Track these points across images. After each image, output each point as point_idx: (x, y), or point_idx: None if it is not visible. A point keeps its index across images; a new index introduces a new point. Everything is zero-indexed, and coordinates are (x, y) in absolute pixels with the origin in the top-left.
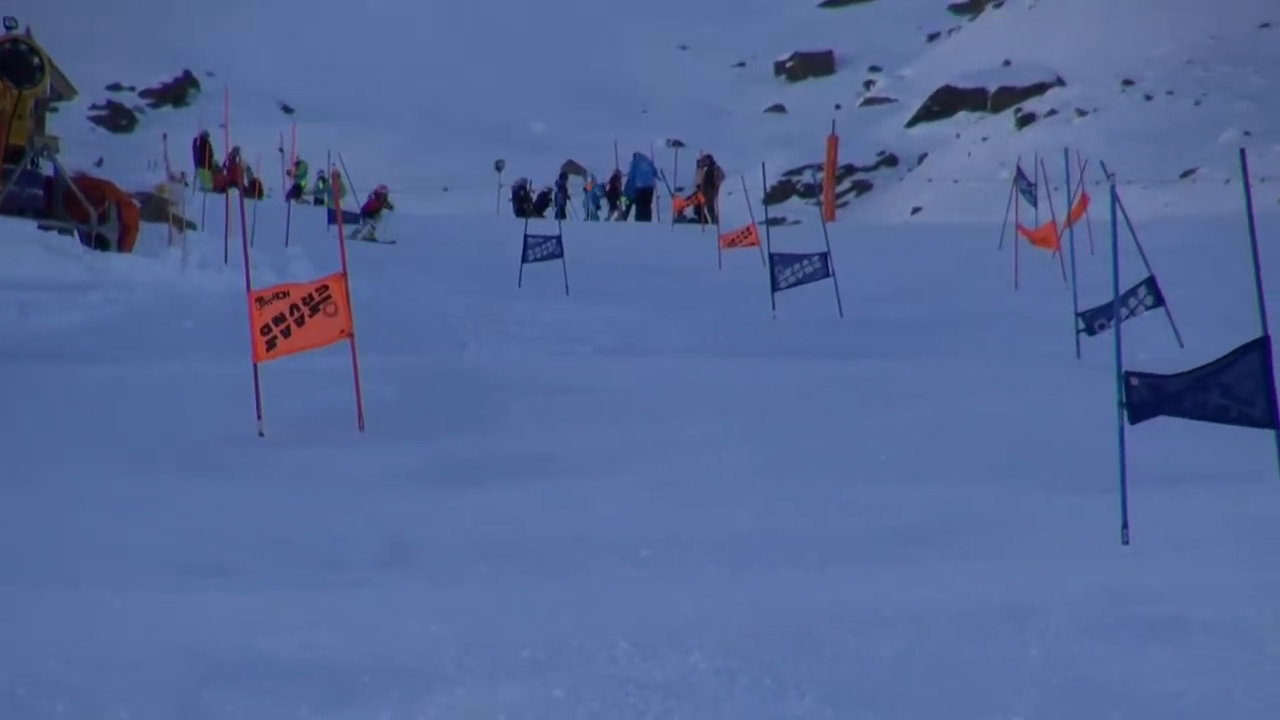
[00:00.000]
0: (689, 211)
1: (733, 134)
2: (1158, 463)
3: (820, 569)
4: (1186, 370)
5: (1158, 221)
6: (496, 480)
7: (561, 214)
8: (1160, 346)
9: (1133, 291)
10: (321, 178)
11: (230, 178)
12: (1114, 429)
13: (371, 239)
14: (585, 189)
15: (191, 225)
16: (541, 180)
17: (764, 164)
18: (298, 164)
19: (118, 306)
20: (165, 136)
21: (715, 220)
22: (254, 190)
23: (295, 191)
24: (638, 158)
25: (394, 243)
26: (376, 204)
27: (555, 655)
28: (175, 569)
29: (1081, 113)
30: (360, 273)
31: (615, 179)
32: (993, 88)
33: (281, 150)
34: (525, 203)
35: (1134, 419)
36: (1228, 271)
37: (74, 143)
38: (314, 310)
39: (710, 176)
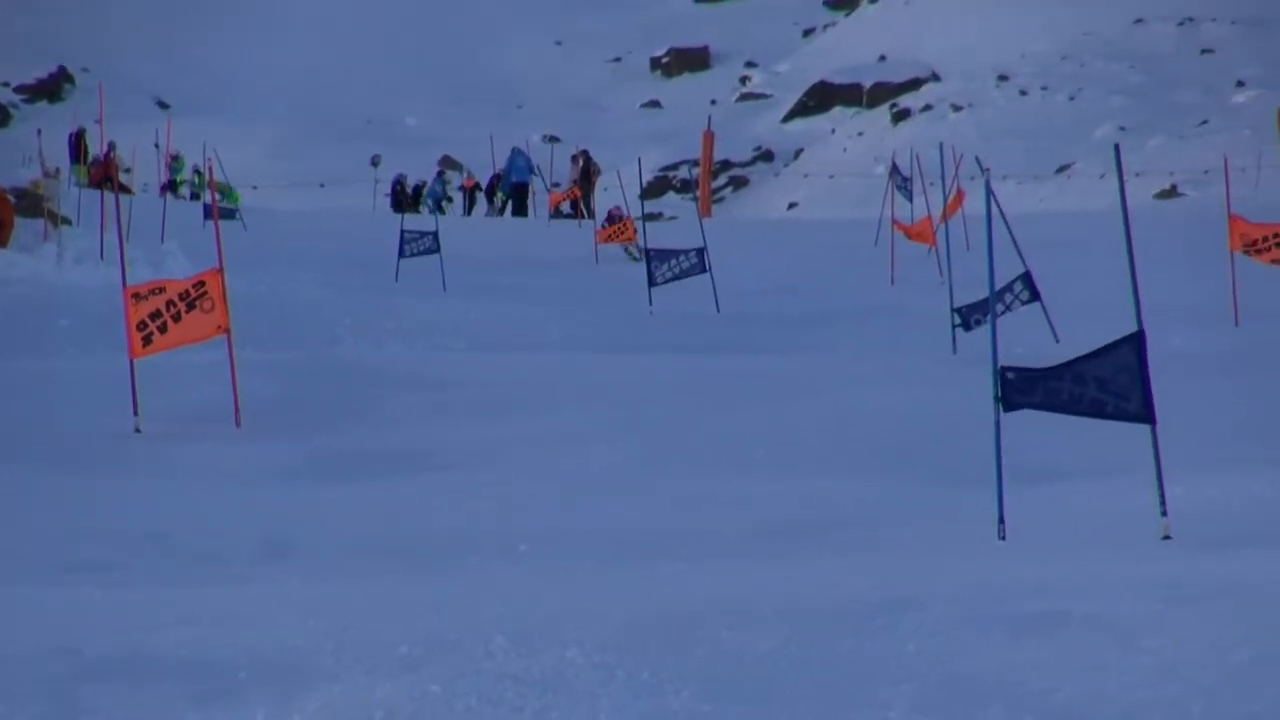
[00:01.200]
0: (565, 207)
1: (609, 129)
2: (1035, 457)
3: (697, 563)
4: (1062, 363)
5: (1033, 216)
6: (373, 476)
7: (440, 209)
8: (1036, 341)
9: (1008, 286)
10: (197, 171)
11: (105, 174)
12: (990, 423)
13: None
14: (464, 186)
15: (67, 221)
16: (417, 175)
17: (640, 159)
18: (174, 158)
19: None
20: (40, 132)
21: (592, 215)
22: (124, 186)
23: (171, 186)
24: (515, 153)
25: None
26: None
27: (431, 651)
28: (51, 565)
29: (957, 108)
30: (237, 269)
31: (495, 178)
32: (868, 83)
33: (157, 146)
34: (404, 197)
35: (1009, 409)
36: (1103, 266)
37: None
38: (191, 306)
39: (586, 172)
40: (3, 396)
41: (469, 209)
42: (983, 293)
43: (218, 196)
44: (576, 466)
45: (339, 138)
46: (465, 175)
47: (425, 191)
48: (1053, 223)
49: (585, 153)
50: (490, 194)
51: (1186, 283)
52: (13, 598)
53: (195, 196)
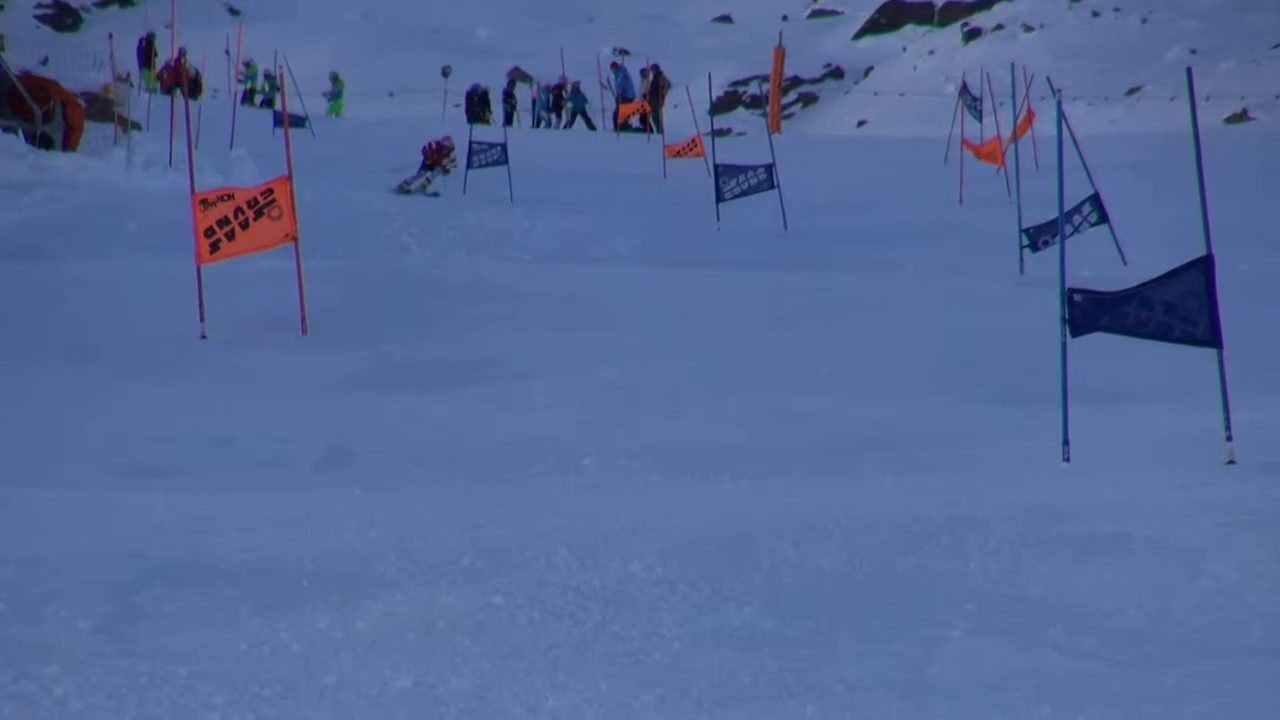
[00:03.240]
0: (634, 120)
1: (679, 44)
2: (1100, 379)
3: (760, 479)
4: (1130, 287)
5: (1103, 138)
6: (437, 386)
7: (509, 120)
8: (1104, 263)
9: (1077, 208)
10: (269, 77)
11: (175, 79)
12: (1056, 345)
13: (425, 191)
14: (533, 96)
15: (137, 126)
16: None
17: (710, 75)
18: (247, 65)
19: (61, 205)
20: (111, 36)
21: (661, 130)
22: (195, 90)
23: (248, 96)
24: (621, 71)
25: (438, 195)
26: (438, 157)
27: (494, 562)
28: (115, 469)
29: (1028, 28)
30: (305, 177)
31: (560, 87)
32: (940, 2)
33: (228, 53)
34: (483, 108)
35: (1075, 334)
36: (1172, 189)
37: (19, 41)
38: (259, 214)
39: (656, 86)
40: (70, 300)
41: (539, 119)
42: (1051, 214)
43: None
44: (641, 380)
45: (409, 47)
46: (534, 87)
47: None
48: (1122, 145)
49: (655, 67)
50: (559, 106)
51: (1256, 207)
52: (79, 501)
53: (269, 103)
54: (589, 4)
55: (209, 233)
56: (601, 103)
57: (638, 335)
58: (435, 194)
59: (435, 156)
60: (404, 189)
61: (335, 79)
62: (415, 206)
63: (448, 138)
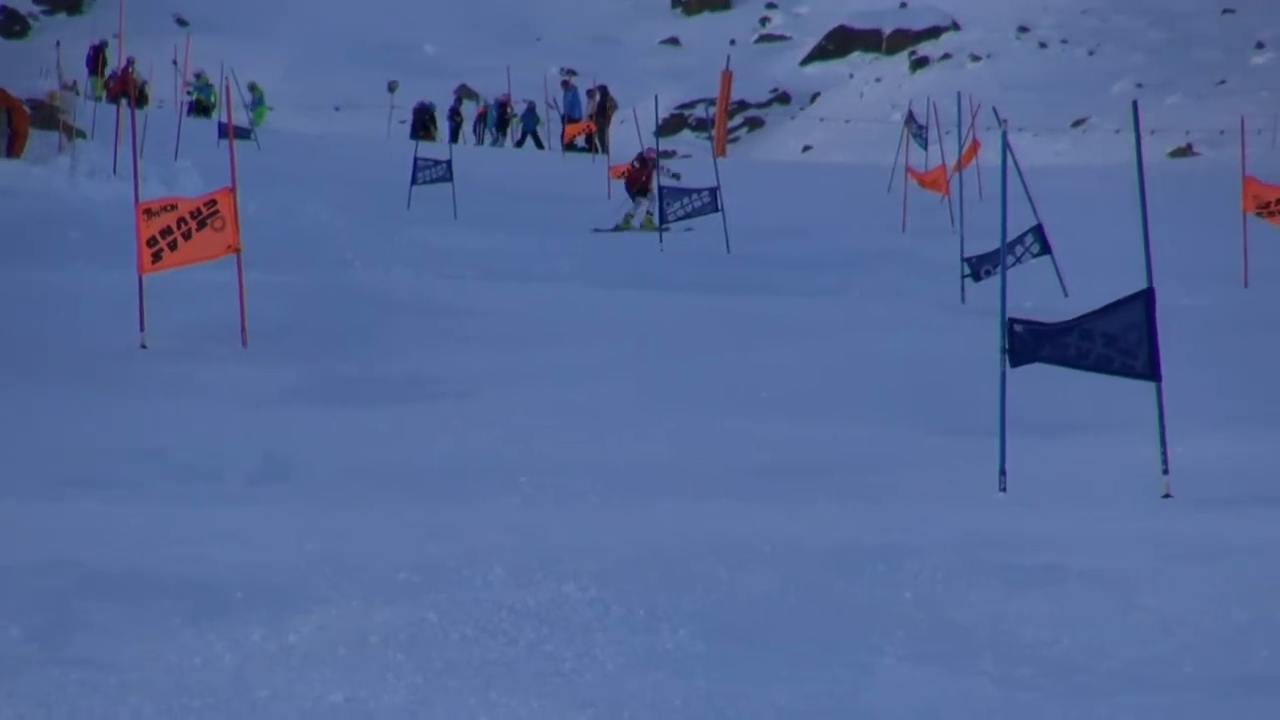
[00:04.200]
0: (580, 140)
1: (627, 65)
2: (1038, 410)
3: (697, 501)
4: (1071, 318)
5: (1048, 170)
6: (377, 402)
7: (455, 138)
8: (1046, 294)
9: (1020, 239)
10: (202, 81)
11: (121, 88)
12: (996, 375)
13: (648, 227)
14: (479, 113)
15: (82, 134)
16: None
17: (657, 96)
18: (197, 77)
19: (3, 212)
20: (59, 44)
21: (606, 150)
22: (142, 99)
23: (195, 106)
24: (571, 90)
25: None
26: (646, 175)
27: (429, 578)
28: (51, 479)
29: (976, 58)
30: (249, 189)
31: (504, 104)
32: (888, 29)
33: (175, 63)
34: (431, 124)
35: (1015, 363)
36: (1116, 222)
37: None
38: (202, 224)
39: (603, 106)
40: (10, 307)
41: (483, 137)
42: (994, 243)
43: (249, 105)
44: (581, 400)
45: (356, 62)
46: (479, 104)
47: (521, 115)
48: (1067, 177)
49: (603, 88)
50: (504, 125)
51: (1198, 242)
52: (13, 510)
53: (205, 111)
54: (537, 24)
55: (151, 242)
56: (549, 122)
57: (579, 356)
58: (656, 228)
59: (643, 175)
60: (625, 227)
61: (253, 88)
62: (359, 222)
63: (650, 150)
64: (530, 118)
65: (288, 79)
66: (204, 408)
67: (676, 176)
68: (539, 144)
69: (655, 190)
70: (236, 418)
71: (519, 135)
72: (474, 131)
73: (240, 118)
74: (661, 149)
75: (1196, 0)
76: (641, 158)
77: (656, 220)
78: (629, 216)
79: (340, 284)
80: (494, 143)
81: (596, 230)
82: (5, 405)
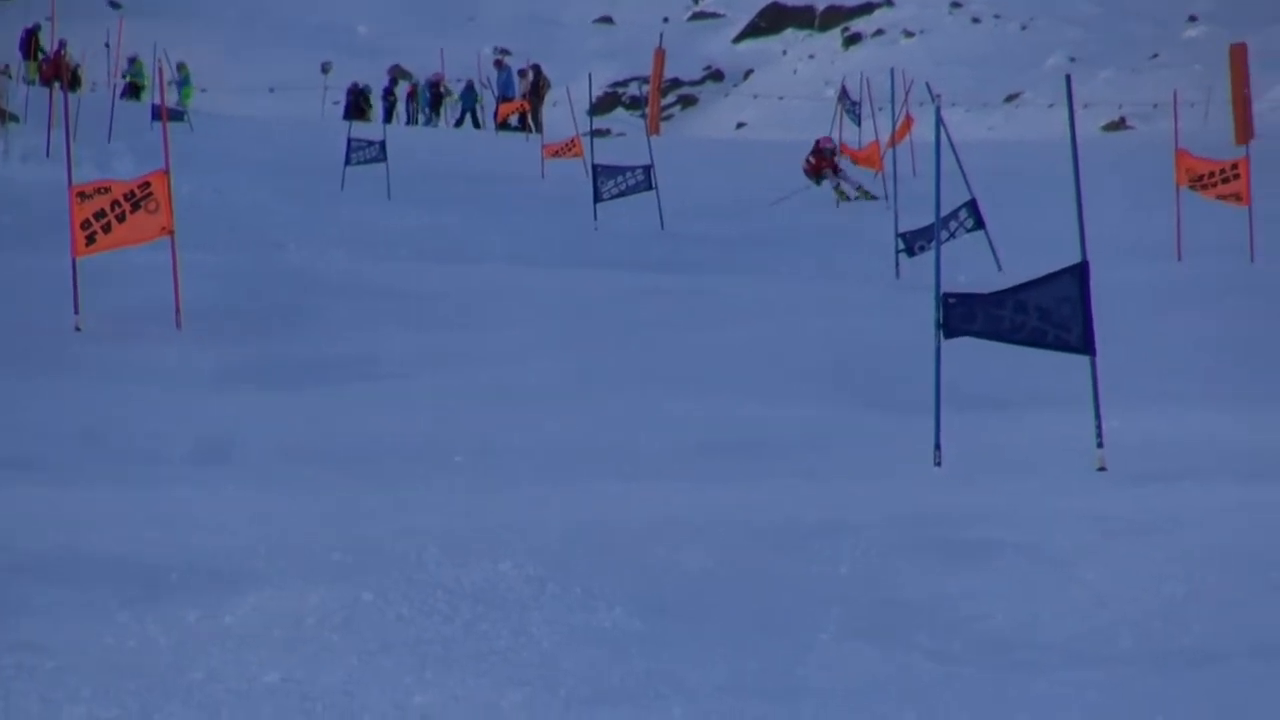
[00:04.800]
0: (514, 120)
1: (560, 44)
2: (973, 385)
3: (633, 481)
4: (1004, 290)
5: (981, 144)
6: (313, 383)
7: (389, 118)
8: (980, 269)
9: (954, 214)
10: (136, 66)
11: (54, 71)
12: (931, 350)
13: (864, 194)
14: (407, 92)
15: (15, 118)
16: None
17: (590, 75)
18: (131, 61)
19: None
20: None
21: (540, 129)
22: (75, 82)
23: (132, 90)
24: (504, 69)
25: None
26: (825, 163)
27: (365, 559)
28: None
29: (909, 34)
30: (183, 171)
31: (437, 84)
32: (821, 6)
33: (108, 46)
34: (366, 105)
35: (949, 336)
36: (1048, 196)
37: None
38: (135, 207)
39: (536, 86)
40: None
41: (413, 117)
42: (928, 219)
43: (175, 82)
44: (515, 380)
45: (290, 43)
46: (411, 83)
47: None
48: (1000, 151)
49: (536, 67)
50: (438, 104)
51: (1131, 216)
52: None
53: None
54: (470, 3)
55: (85, 225)
56: (483, 101)
57: (514, 336)
58: (871, 196)
59: (821, 162)
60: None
61: (180, 68)
62: (293, 203)
63: (827, 139)
64: (469, 95)
65: (221, 61)
66: (139, 390)
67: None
68: (476, 123)
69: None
70: (172, 400)
71: (458, 114)
72: (406, 110)
73: (170, 97)
74: (595, 127)
75: None
76: (818, 149)
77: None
78: (839, 189)
79: (274, 266)
80: (426, 122)
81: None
82: None
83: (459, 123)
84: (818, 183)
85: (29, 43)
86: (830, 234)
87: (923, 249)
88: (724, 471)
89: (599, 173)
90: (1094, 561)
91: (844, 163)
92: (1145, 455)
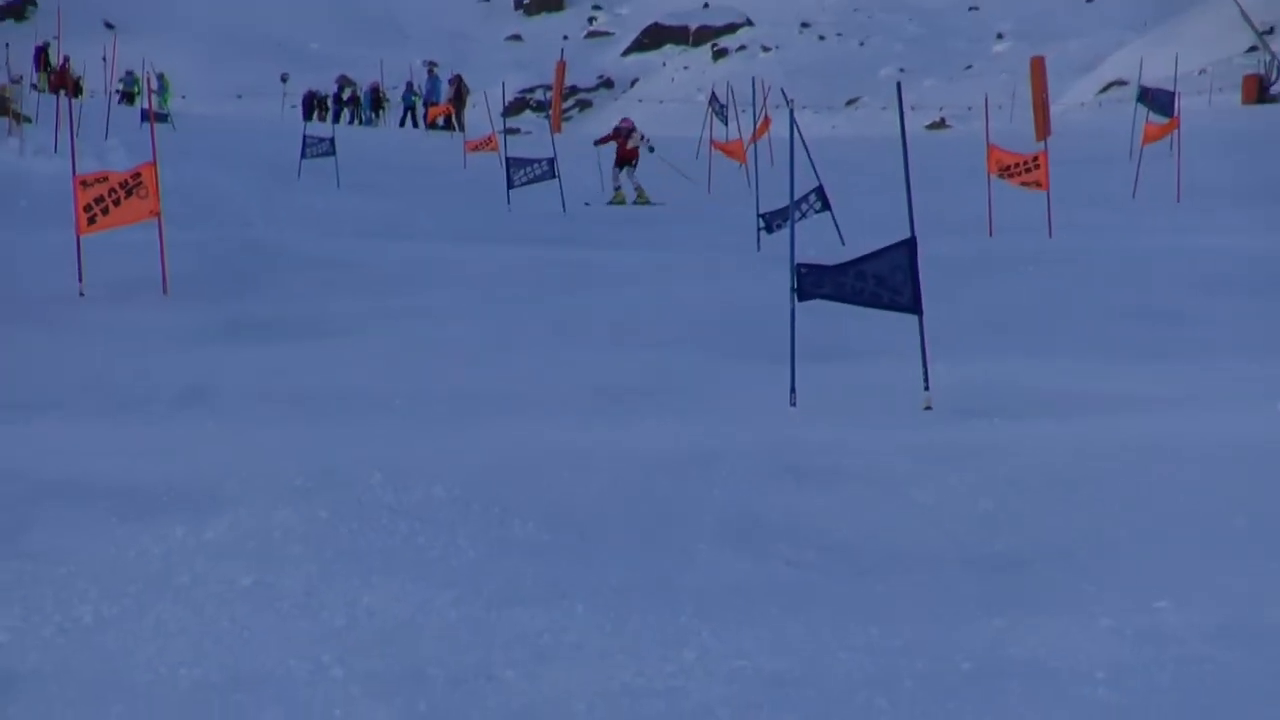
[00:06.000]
0: (440, 120)
1: (479, 58)
2: (822, 339)
3: (541, 419)
4: (847, 261)
5: (826, 140)
6: (276, 339)
7: (337, 119)
8: (826, 244)
9: (805, 198)
10: (136, 78)
11: (60, 81)
12: (787, 310)
13: (641, 199)
14: (349, 97)
15: (28, 119)
16: (321, 89)
17: (504, 83)
18: (129, 74)
19: None
20: (7, 46)
21: (463, 128)
22: (77, 90)
23: (127, 98)
24: (435, 79)
25: (652, 203)
26: (627, 146)
27: (321, 483)
28: (3, 404)
29: (766, 49)
30: (167, 163)
31: (375, 89)
32: (694, 26)
33: (104, 59)
34: (320, 107)
35: (802, 299)
36: (883, 184)
37: None
38: (129, 193)
39: (459, 92)
40: None
41: (356, 118)
42: (783, 202)
43: (157, 90)
44: (443, 336)
45: (254, 57)
46: (349, 90)
47: (403, 95)
48: (842, 146)
49: (459, 77)
50: (378, 106)
51: (951, 199)
52: None
53: (128, 99)
54: (404, 24)
55: (87, 208)
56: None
57: (441, 299)
58: (649, 203)
59: (624, 148)
60: (618, 199)
61: (161, 77)
62: (258, 189)
63: (627, 120)
64: (409, 94)
65: (198, 72)
66: (132, 344)
67: (652, 149)
68: (415, 122)
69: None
70: (160, 352)
71: (401, 113)
72: (346, 109)
73: (154, 102)
74: (508, 127)
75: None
76: (617, 128)
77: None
78: (619, 191)
79: (244, 241)
80: (367, 122)
81: (587, 204)
82: None
83: (402, 122)
84: (620, 170)
85: (40, 58)
86: (703, 214)
87: (779, 226)
88: (614, 411)
89: (511, 164)
90: (921, 483)
91: (643, 150)
92: (964, 396)
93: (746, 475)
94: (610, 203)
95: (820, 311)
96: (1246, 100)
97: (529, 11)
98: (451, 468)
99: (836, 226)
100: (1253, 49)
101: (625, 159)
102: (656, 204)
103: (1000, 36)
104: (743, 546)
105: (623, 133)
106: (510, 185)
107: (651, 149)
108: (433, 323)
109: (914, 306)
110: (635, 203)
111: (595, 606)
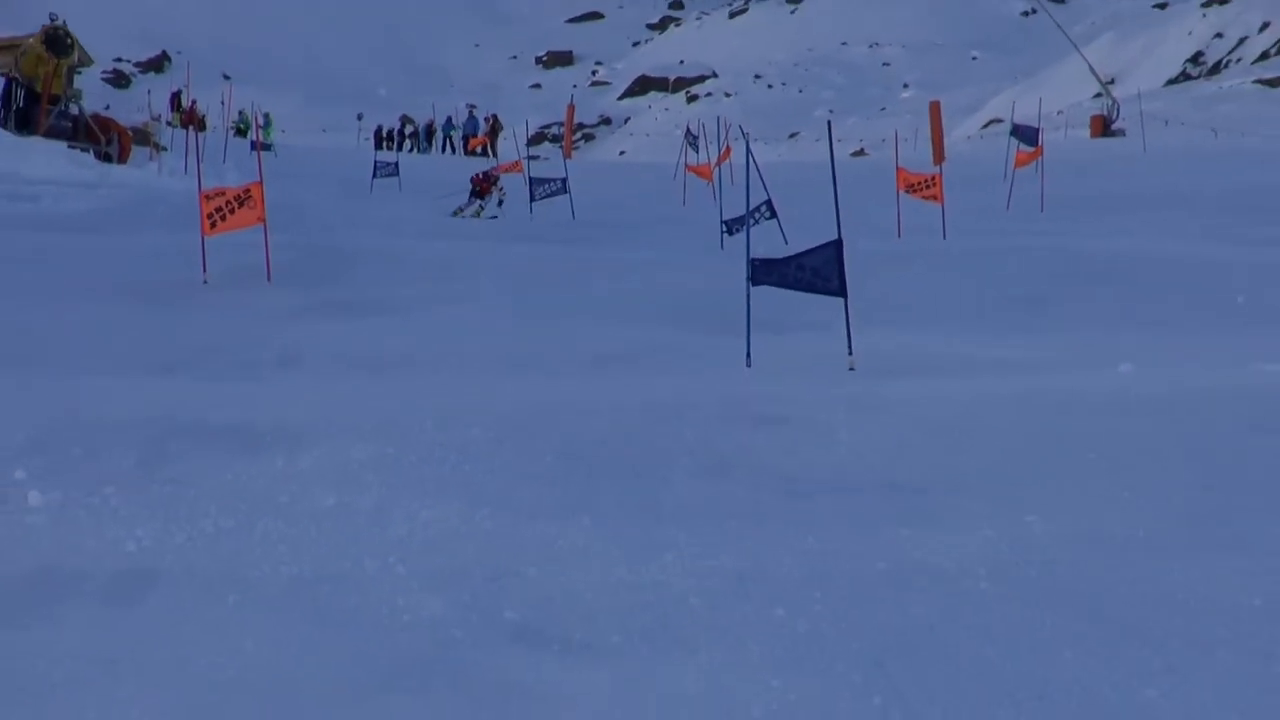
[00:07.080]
0: (479, 149)
1: (509, 101)
2: (771, 316)
3: (554, 377)
4: (789, 256)
5: (774, 165)
6: (353, 316)
7: (399, 148)
8: (774, 244)
9: (757, 208)
10: (243, 116)
11: (189, 119)
12: (743, 294)
13: (479, 216)
14: (410, 132)
15: (164, 148)
16: (388, 126)
17: (527, 121)
18: (240, 114)
19: (115, 199)
20: (149, 92)
21: (496, 155)
22: (202, 126)
23: (238, 131)
24: (470, 116)
25: (495, 218)
26: (486, 186)
27: (386, 426)
28: (148, 366)
29: (728, 94)
30: (270, 182)
31: (430, 125)
32: (673, 77)
33: (223, 103)
34: (387, 139)
35: (755, 284)
36: (816, 198)
37: (91, 94)
38: (241, 204)
39: (494, 128)
40: (118, 258)
41: (414, 148)
42: (740, 211)
43: (263, 125)
44: (478, 315)
45: (337, 101)
46: (410, 127)
47: (442, 126)
48: (786, 170)
49: (495, 116)
50: (431, 138)
51: (868, 210)
52: (126, 385)
53: (240, 133)
54: (452, 75)
55: (210, 216)
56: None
57: (478, 286)
58: (493, 217)
59: (484, 185)
60: (457, 213)
61: (267, 115)
62: (338, 201)
63: (496, 167)
64: (449, 126)
65: (294, 112)
66: (244, 319)
67: (501, 204)
68: (452, 148)
69: (496, 194)
70: (265, 326)
71: (442, 141)
72: (407, 140)
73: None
74: (530, 154)
75: (866, 57)
76: (486, 174)
77: (485, 213)
78: (461, 209)
79: (328, 242)
80: (423, 151)
81: (454, 214)
82: (117, 319)
83: (441, 149)
84: (481, 203)
85: (173, 101)
86: (679, 221)
87: (737, 230)
88: (612, 370)
89: (533, 182)
90: (848, 429)
91: (495, 192)
92: (879, 360)
93: (713, 421)
94: (460, 214)
95: (769, 295)
96: (1094, 134)
97: (547, 66)
98: (487, 414)
99: (781, 230)
100: (1098, 95)
101: (483, 192)
102: (489, 218)
103: (906, 86)
104: (711, 477)
105: (492, 180)
106: (532, 199)
107: (500, 203)
108: (469, 303)
109: (841, 291)
110: (474, 216)
111: (598, 520)
